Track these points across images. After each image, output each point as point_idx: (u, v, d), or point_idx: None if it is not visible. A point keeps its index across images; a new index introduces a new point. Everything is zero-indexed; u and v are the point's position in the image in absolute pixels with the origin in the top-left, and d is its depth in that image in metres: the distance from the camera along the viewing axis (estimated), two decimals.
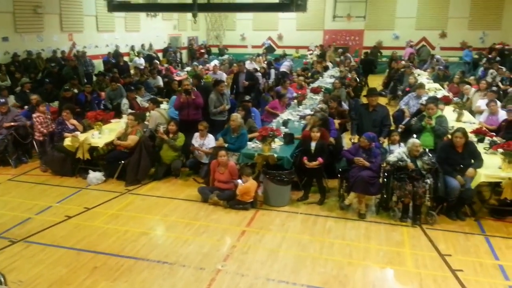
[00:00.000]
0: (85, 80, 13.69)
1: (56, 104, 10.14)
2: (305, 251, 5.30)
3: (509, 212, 6.12)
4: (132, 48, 18.67)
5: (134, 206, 6.56)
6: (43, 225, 5.88)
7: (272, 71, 15.21)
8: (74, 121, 8.19)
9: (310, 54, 21.12)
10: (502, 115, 8.36)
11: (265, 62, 16.34)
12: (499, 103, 8.98)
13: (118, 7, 7.51)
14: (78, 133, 7.79)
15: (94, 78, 13.89)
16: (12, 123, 8.27)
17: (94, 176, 7.38)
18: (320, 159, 6.49)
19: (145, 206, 6.57)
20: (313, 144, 6.62)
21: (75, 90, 10.49)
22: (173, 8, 8.39)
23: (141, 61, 16.94)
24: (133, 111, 8.66)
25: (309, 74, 14.85)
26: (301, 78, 12.34)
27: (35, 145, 8.47)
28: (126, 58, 17.24)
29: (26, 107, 9.41)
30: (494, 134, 7.42)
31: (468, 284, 4.59)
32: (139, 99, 10.01)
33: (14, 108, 9.01)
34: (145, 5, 9.17)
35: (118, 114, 9.50)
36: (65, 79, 11.87)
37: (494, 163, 6.11)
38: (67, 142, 7.60)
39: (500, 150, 6.07)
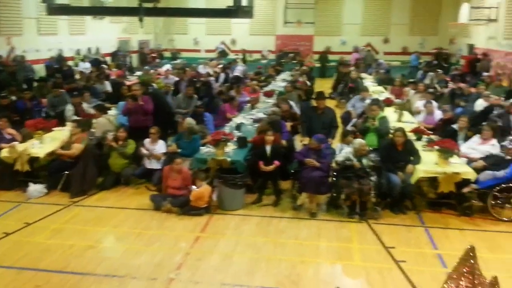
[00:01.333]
0: (25, 86, 12.95)
1: None
2: (259, 253, 5.30)
3: (446, 204, 6.50)
4: (78, 52, 17.90)
5: (80, 219, 6.26)
6: None
7: (222, 75, 15.18)
8: (12, 131, 7.68)
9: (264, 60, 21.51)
10: (438, 114, 8.95)
11: (218, 67, 16.24)
12: (435, 104, 9.55)
13: (59, 10, 7.17)
14: (16, 143, 7.29)
15: (35, 84, 13.16)
16: None
17: (35, 188, 6.93)
18: (276, 162, 6.55)
19: (92, 217, 6.28)
20: (268, 148, 6.67)
21: (13, 97, 9.87)
22: (119, 12, 8.15)
23: (86, 66, 16.29)
24: (77, 118, 8.30)
25: (262, 78, 14.97)
26: (254, 82, 12.41)
27: None
28: (70, 63, 16.47)
29: None
30: (431, 132, 7.90)
31: (411, 274, 4.78)
32: (85, 106, 9.61)
33: None
34: (89, 8, 8.80)
35: (62, 121, 9.05)
36: (3, 85, 11.13)
37: (431, 160, 6.49)
38: (4, 153, 7.09)
39: (436, 147, 6.50)
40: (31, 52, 15.38)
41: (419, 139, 7.43)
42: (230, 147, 6.96)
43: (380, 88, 13.34)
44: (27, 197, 6.88)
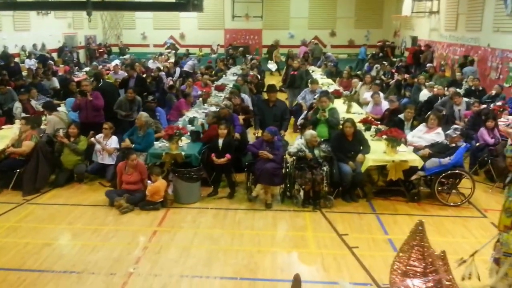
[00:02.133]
0: None
1: None
2: (217, 244, 5.45)
3: (395, 191, 6.85)
4: (23, 48, 17.16)
5: (34, 217, 6.16)
6: None
7: (178, 69, 15.10)
8: None
9: (214, 54, 21.44)
10: (385, 105, 9.36)
11: (169, 62, 16.09)
12: (382, 95, 10.03)
13: (4, 6, 6.90)
14: None
15: None
16: None
17: None
18: (228, 155, 6.70)
19: (46, 215, 6.20)
20: (220, 141, 6.80)
21: None
22: (66, 6, 7.92)
23: (32, 62, 15.70)
24: (26, 115, 8.07)
25: (213, 72, 15.04)
26: (206, 76, 12.48)
27: None
28: (16, 59, 15.81)
29: None
30: (379, 122, 8.27)
31: (364, 259, 5.08)
32: (33, 102, 9.34)
33: None
34: (35, 4, 8.46)
35: (10, 119, 8.78)
36: None
37: (380, 149, 6.81)
38: None
39: (384, 136, 6.78)
40: None
41: (368, 129, 7.77)
42: (184, 141, 7.05)
43: (329, 80, 13.78)
44: None
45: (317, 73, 15.14)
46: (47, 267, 4.85)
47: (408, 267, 2.96)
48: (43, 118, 8.23)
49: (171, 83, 12.19)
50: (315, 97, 9.27)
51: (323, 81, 13.13)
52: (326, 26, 23.36)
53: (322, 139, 6.95)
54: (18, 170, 6.94)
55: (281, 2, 23.34)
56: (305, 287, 3.88)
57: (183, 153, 6.64)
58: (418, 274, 2.93)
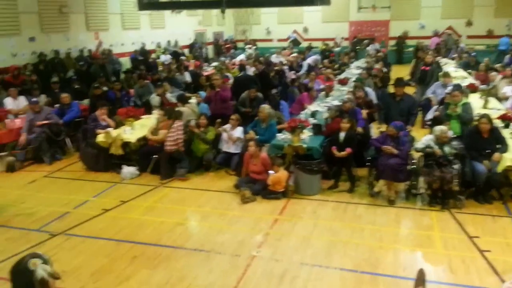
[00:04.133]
0: (113, 78, 13.95)
1: (85, 102, 10.35)
2: (337, 236, 5.41)
3: None
4: (158, 45, 18.86)
5: (169, 199, 6.77)
6: (81, 218, 6.05)
7: (305, 63, 15.21)
8: (107, 118, 8.40)
9: (338, 47, 21.19)
10: None
11: (292, 56, 16.26)
12: None
13: (148, 6, 7.72)
14: (110, 129, 8.00)
15: (122, 76, 14.14)
16: (45, 121, 8.50)
17: (128, 170, 7.60)
18: (348, 149, 6.59)
19: (179, 198, 6.77)
20: (342, 134, 6.72)
21: (104, 88, 10.68)
22: (201, 5, 8.56)
23: (166, 58, 17.14)
24: (163, 107, 8.87)
25: (336, 65, 14.85)
26: (328, 70, 12.39)
27: (67, 142, 8.79)
28: (152, 55, 17.45)
29: (56, 105, 9.54)
30: None
31: (496, 263, 4.66)
32: (168, 95, 10.22)
33: (46, 106, 9.23)
34: (174, 3, 9.35)
35: (148, 110, 9.73)
36: (93, 77, 12.07)
37: None
38: (100, 138, 7.80)
39: None
40: (117, 46, 16.57)
41: (506, 126, 7.07)
42: (306, 134, 7.10)
43: (463, 73, 12.66)
44: (121, 178, 7.56)
45: (450, 66, 14.02)
46: (180, 244, 5.30)
47: None
48: (176, 109, 8.93)
49: (293, 76, 12.33)
50: (446, 91, 8.64)
51: (456, 74, 12.12)
52: (461, 15, 21.49)
53: (454, 136, 6.47)
54: (155, 156, 7.65)
55: None
56: (430, 287, 3.69)
57: (304, 145, 6.70)
58: None
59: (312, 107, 8.88)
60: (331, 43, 21.89)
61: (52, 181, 7.67)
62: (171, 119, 7.62)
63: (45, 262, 2.27)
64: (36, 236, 5.60)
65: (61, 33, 14.37)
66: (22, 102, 9.66)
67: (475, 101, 8.57)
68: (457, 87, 8.11)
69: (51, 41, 13.89)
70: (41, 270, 2.21)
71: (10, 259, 4.98)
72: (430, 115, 8.43)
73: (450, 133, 6.24)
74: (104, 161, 7.91)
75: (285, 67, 13.33)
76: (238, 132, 7.71)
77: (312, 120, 7.83)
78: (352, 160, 6.83)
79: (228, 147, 7.74)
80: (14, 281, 2.23)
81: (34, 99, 8.82)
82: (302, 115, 8.28)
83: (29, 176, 7.79)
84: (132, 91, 11.30)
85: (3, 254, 5.10)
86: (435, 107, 8.65)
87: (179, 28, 20.12)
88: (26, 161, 8.43)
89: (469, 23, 21.53)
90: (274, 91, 9.04)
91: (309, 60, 15.71)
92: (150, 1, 7.63)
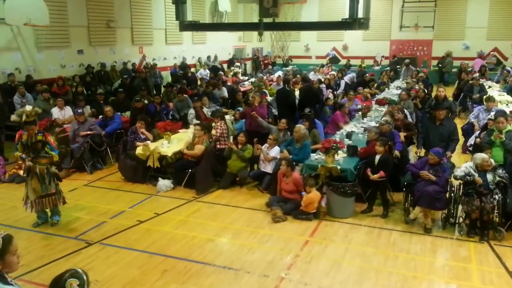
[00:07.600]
0: (154, 91, 14.35)
1: (127, 114, 10.69)
2: (369, 263, 5.29)
3: None
4: (199, 60, 19.27)
5: (201, 213, 6.84)
6: (117, 228, 6.22)
7: (342, 82, 15.12)
8: (146, 131, 8.58)
9: (377, 66, 20.95)
10: None
11: (331, 74, 16.17)
12: None
13: (189, 27, 7.97)
14: (148, 142, 8.20)
15: (163, 89, 14.52)
16: (88, 132, 8.81)
17: (164, 183, 7.75)
18: (381, 173, 6.46)
19: (211, 213, 6.83)
20: (377, 157, 6.61)
21: (145, 101, 10.99)
22: (240, 28, 8.78)
23: (206, 73, 17.47)
24: (199, 122, 9.02)
25: (375, 85, 14.66)
26: (367, 89, 12.23)
27: (108, 153, 9.07)
28: (192, 70, 17.83)
29: (100, 116, 9.89)
30: None
31: None
32: (205, 110, 10.39)
33: (90, 117, 9.58)
34: (213, 25, 9.64)
35: (186, 124, 9.92)
36: (136, 90, 12.41)
37: None
38: (139, 150, 8.01)
39: None
40: (159, 60, 17.08)
41: None
42: (341, 155, 7.03)
43: (509, 97, 12.19)
44: (157, 190, 7.73)
45: (494, 89, 13.56)
46: (210, 261, 5.33)
47: None
48: (213, 124, 9.07)
49: (330, 95, 12.26)
50: (489, 116, 8.34)
51: (501, 98, 11.69)
52: (509, 36, 20.77)
53: (497, 164, 6.19)
54: (190, 170, 7.77)
55: (456, 11, 21.63)
56: None
57: (338, 167, 6.64)
58: None
59: (348, 128, 8.79)
60: (369, 62, 21.72)
61: (92, 190, 7.92)
62: (206, 134, 7.72)
63: (82, 284, 2.39)
64: (73, 244, 5.79)
65: (108, 47, 14.97)
66: (68, 112, 10.11)
67: None
68: (502, 112, 7.78)
69: (98, 54, 14.49)
70: None
71: (47, 265, 5.19)
72: (471, 140, 8.15)
73: (492, 161, 5.99)
74: (141, 172, 8.11)
75: (323, 85, 13.28)
76: (275, 151, 7.72)
77: (347, 141, 7.75)
78: (387, 184, 6.68)
79: (264, 167, 7.75)
80: None
81: (79, 110, 9.18)
82: (337, 136, 8.21)
83: (71, 184, 8.07)
84: (171, 104, 11.58)
85: (41, 260, 5.31)
86: (477, 132, 8.37)
87: (219, 43, 20.47)
88: (71, 169, 8.75)
89: None
90: (307, 109, 8.97)
91: (347, 78, 15.61)
92: (190, 23, 7.85)
